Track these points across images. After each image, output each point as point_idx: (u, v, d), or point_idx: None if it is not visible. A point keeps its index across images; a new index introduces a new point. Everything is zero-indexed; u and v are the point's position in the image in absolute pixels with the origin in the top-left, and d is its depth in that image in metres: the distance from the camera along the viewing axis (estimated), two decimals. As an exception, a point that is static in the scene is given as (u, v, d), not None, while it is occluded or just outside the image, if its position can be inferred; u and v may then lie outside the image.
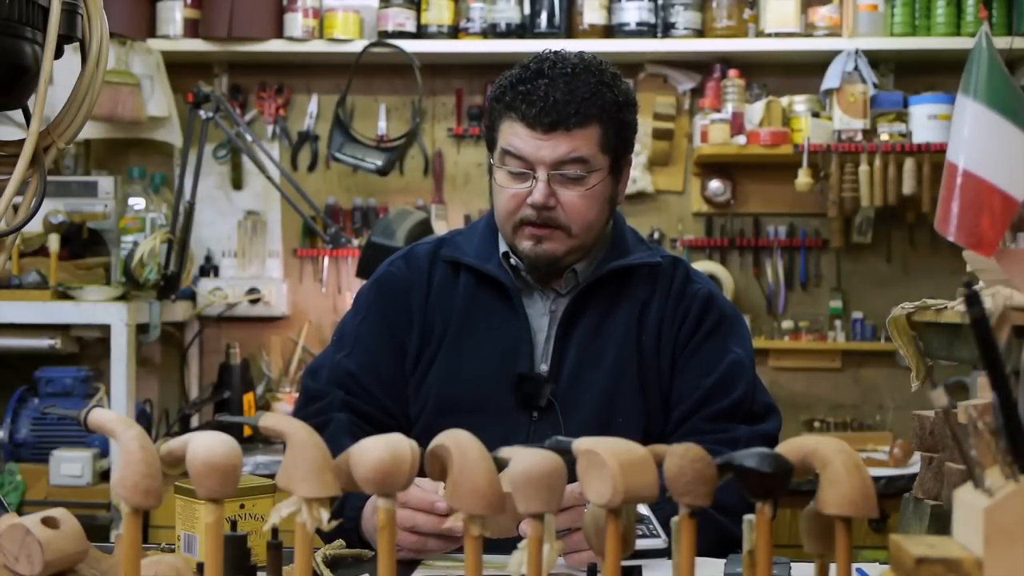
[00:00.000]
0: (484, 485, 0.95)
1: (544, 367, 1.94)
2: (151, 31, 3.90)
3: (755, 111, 3.77)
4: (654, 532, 1.63)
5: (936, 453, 1.44)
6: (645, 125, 3.82)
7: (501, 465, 0.98)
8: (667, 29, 3.81)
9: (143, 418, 3.61)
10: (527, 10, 3.83)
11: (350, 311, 2.06)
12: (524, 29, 3.82)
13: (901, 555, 0.92)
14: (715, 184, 3.95)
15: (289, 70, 4.04)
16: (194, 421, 3.82)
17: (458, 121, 4.03)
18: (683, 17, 3.79)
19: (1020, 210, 1.35)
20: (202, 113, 3.53)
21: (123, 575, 0.95)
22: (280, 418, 1.01)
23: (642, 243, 2.05)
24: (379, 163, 3.81)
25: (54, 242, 3.44)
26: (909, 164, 3.63)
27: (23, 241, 3.54)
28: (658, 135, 3.94)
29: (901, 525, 1.49)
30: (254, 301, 3.97)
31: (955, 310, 1.39)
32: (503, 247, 1.98)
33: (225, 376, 3.77)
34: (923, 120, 3.69)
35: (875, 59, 3.77)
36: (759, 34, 3.81)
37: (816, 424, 3.87)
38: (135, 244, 3.57)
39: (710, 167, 3.95)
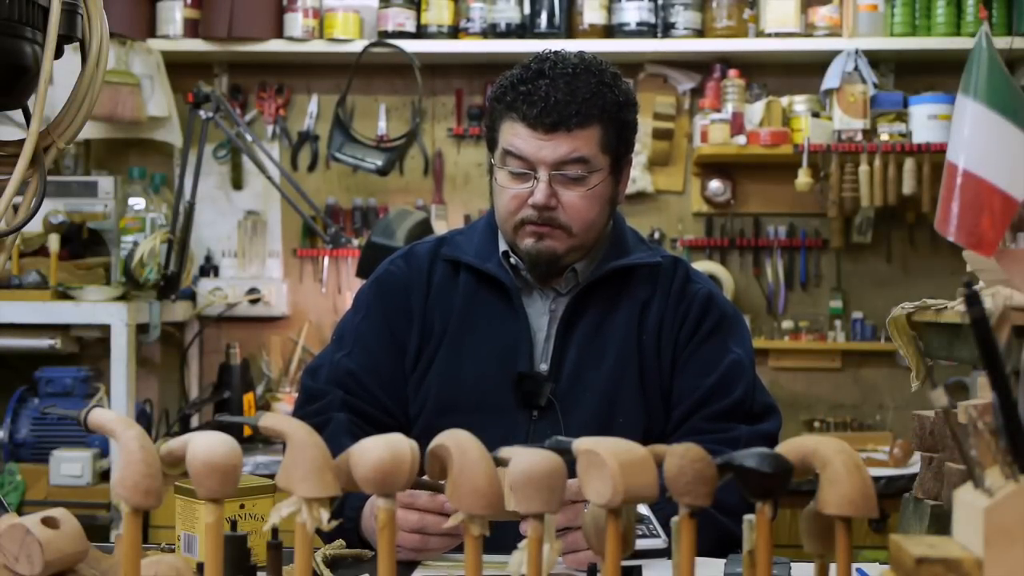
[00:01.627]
0: (484, 485, 0.95)
1: (544, 366, 1.94)
2: (151, 31, 3.90)
3: (755, 111, 3.77)
4: (654, 532, 1.63)
5: (936, 453, 1.44)
6: (645, 125, 3.82)
7: (501, 465, 0.98)
8: (667, 29, 3.81)
9: (143, 418, 3.61)
10: (527, 10, 3.83)
11: (350, 310, 2.06)
12: (524, 29, 3.82)
13: (901, 555, 0.92)
14: (715, 184, 3.95)
15: (289, 70, 4.04)
16: (194, 421, 3.82)
17: (458, 121, 4.03)
18: (683, 17, 3.79)
19: (1020, 210, 1.35)
20: (202, 113, 3.53)
21: (123, 575, 0.95)
22: (280, 418, 1.01)
23: (642, 243, 2.05)
24: (379, 163, 3.81)
25: (54, 242, 3.44)
26: (909, 164, 3.63)
27: (23, 241, 3.54)
28: (658, 135, 3.94)
29: (901, 525, 1.49)
30: (254, 301, 3.97)
31: (955, 310, 1.39)
32: (503, 246, 1.99)
33: (225, 376, 3.77)
34: (923, 120, 3.69)
35: (875, 59, 3.77)
36: (759, 34, 3.81)
37: (816, 424, 3.87)
38: (135, 244, 3.57)
39: (710, 167, 3.95)
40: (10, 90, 1.40)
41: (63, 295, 3.42)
